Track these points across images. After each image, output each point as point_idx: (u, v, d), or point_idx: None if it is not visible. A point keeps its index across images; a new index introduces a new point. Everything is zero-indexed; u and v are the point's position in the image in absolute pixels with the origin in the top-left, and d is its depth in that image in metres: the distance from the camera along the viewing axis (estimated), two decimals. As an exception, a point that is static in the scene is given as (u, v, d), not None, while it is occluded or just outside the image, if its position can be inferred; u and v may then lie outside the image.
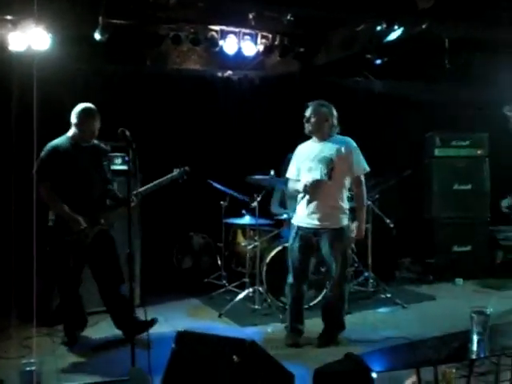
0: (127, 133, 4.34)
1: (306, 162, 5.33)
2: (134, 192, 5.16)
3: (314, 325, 5.60)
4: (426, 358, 3.18)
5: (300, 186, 5.26)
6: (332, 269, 5.30)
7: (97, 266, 5.24)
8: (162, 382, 3.55)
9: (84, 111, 5.15)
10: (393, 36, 6.20)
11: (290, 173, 5.50)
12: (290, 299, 5.51)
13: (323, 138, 5.35)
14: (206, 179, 6.94)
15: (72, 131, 5.18)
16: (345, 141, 5.38)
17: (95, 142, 5.28)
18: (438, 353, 3.27)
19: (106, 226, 5.23)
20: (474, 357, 3.23)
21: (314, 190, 5.17)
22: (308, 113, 5.34)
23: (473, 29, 6.26)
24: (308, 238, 5.30)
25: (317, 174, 5.20)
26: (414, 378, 3.21)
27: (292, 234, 5.42)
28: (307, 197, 5.24)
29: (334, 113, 5.40)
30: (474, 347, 3.25)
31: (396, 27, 5.89)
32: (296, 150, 5.54)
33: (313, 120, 5.32)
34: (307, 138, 6.65)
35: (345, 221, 5.30)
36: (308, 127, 5.35)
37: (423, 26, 5.84)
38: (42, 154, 5.04)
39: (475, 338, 3.25)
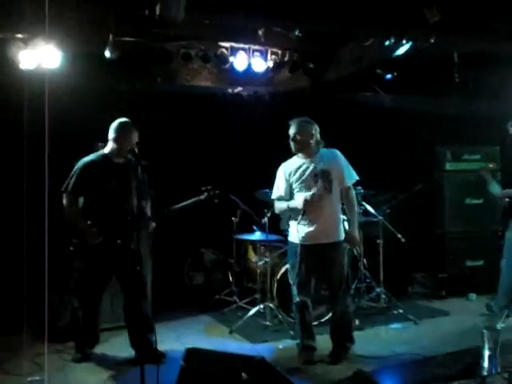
0: (136, 150, 4.36)
1: (300, 180, 5.28)
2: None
3: (326, 341, 5.55)
4: (436, 375, 3.15)
5: (298, 203, 5.17)
6: (337, 283, 5.31)
7: (122, 282, 5.28)
8: (170, 399, 3.54)
9: (122, 125, 5.20)
10: (401, 50, 6.21)
11: (279, 193, 5.41)
12: (300, 317, 5.47)
13: (311, 153, 5.34)
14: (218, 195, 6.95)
15: (109, 147, 5.21)
16: (333, 153, 5.40)
17: (129, 156, 5.23)
18: (449, 369, 3.24)
19: (131, 244, 5.19)
20: (485, 373, 3.19)
21: (315, 205, 5.14)
22: (293, 131, 5.35)
23: (482, 42, 6.25)
24: (312, 255, 5.25)
25: (316, 189, 5.18)
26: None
27: (294, 253, 5.30)
28: (307, 213, 5.16)
29: (317, 128, 5.42)
30: (485, 363, 3.21)
31: (404, 42, 5.89)
32: (282, 170, 5.44)
33: (299, 138, 5.32)
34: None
35: (343, 233, 5.34)
36: (295, 146, 5.35)
37: (431, 40, 5.84)
38: (75, 168, 5.09)
39: (486, 354, 3.22)
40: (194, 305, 7.27)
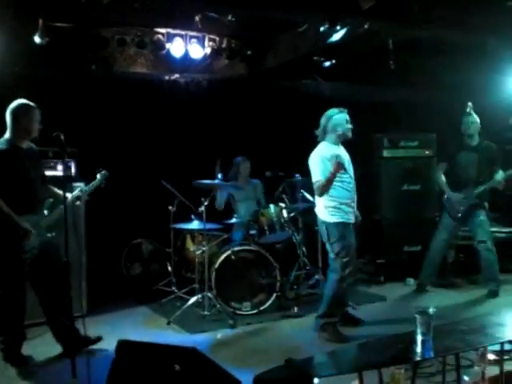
0: (62, 137, 4.20)
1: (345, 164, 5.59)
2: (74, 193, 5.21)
3: (268, 328, 5.68)
4: (369, 361, 3.13)
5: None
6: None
7: (40, 275, 4.99)
8: (102, 393, 3.44)
9: (20, 107, 4.90)
10: (336, 37, 6.19)
11: (322, 176, 5.47)
12: (343, 290, 5.70)
13: None
14: (153, 184, 6.83)
15: (8, 131, 4.91)
16: None
17: (30, 144, 5.04)
18: (382, 355, 3.23)
19: (50, 233, 5.05)
20: (417, 358, 3.19)
21: None
22: (348, 118, 5.69)
23: (416, 29, 6.28)
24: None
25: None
26: (357, 382, 3.16)
27: (349, 232, 5.61)
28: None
29: None
30: (418, 348, 3.21)
31: (339, 27, 5.87)
32: (323, 157, 5.51)
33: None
34: (257, 142, 6.68)
35: None
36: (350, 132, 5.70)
37: (365, 26, 5.84)
38: None
39: (419, 338, 3.22)
40: (132, 296, 7.15)
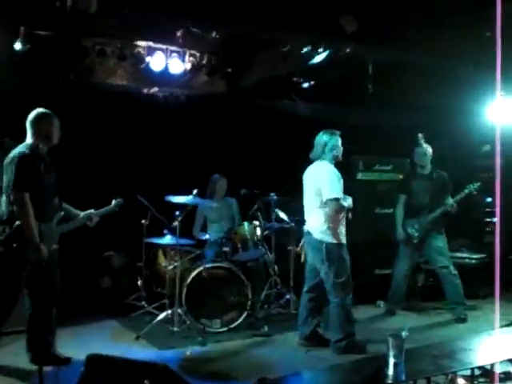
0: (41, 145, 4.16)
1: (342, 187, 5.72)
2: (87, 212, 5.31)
3: (238, 346, 5.63)
4: (342, 383, 3.13)
5: (350, 203, 5.79)
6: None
7: (39, 282, 4.91)
8: (69, 407, 3.38)
9: (43, 116, 4.92)
10: (318, 59, 6.24)
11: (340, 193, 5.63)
12: (350, 310, 5.78)
13: None
14: (128, 197, 6.76)
15: (29, 138, 4.88)
16: None
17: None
18: (355, 377, 3.23)
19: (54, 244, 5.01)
20: (390, 381, 3.19)
21: None
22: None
23: (397, 53, 6.36)
24: None
25: None
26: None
27: (345, 253, 5.74)
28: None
29: None
30: (390, 371, 3.21)
31: (321, 50, 5.92)
32: (338, 174, 5.69)
33: None
34: (233, 159, 6.64)
35: None
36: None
37: (347, 50, 5.90)
38: (15, 163, 4.63)
39: (391, 361, 3.22)
40: (101, 309, 7.05)
